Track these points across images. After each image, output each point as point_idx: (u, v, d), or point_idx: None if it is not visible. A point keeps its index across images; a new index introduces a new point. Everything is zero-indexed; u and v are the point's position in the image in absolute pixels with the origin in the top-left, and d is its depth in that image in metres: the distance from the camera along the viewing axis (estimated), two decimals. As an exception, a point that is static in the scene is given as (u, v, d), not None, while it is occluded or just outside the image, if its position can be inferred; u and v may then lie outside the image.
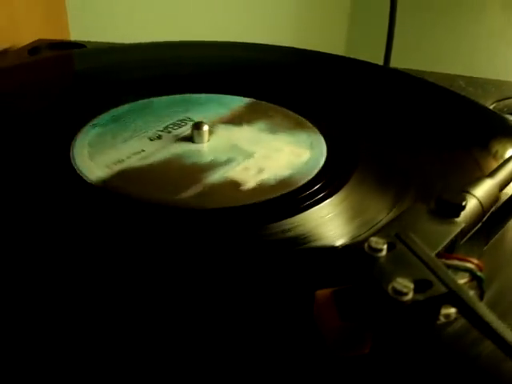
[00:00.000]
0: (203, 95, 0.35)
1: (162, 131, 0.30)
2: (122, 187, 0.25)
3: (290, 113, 0.33)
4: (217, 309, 0.19)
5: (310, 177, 0.26)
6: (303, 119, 0.32)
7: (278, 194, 0.25)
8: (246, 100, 0.35)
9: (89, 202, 0.24)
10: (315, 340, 0.17)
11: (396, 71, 0.46)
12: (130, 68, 0.41)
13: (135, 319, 0.18)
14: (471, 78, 0.48)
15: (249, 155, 0.28)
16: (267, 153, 0.28)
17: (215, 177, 0.26)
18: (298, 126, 0.32)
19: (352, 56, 0.47)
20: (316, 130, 0.31)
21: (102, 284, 0.20)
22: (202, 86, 0.37)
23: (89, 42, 0.51)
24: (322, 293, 0.17)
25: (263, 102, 0.35)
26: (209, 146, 0.29)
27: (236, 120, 0.32)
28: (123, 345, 0.17)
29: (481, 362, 0.17)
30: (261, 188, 0.25)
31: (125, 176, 0.26)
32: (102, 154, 0.28)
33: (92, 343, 0.17)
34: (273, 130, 0.31)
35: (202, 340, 0.17)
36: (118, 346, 0.17)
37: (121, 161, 0.27)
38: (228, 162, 0.27)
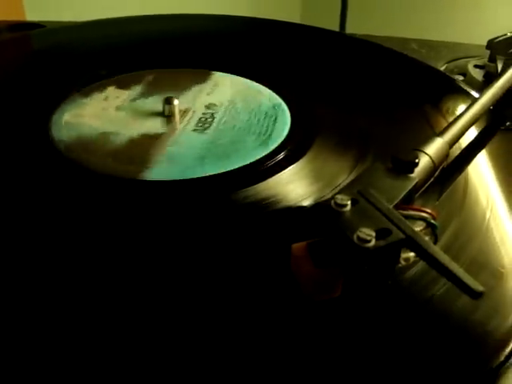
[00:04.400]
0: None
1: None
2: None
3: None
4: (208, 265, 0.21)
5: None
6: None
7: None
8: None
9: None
10: (292, 288, 0.19)
11: (351, 37, 0.47)
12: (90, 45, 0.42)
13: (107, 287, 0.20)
14: (424, 40, 0.50)
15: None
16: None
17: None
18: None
19: (307, 23, 0.48)
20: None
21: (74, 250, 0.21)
22: (158, 59, 0.38)
23: (46, 22, 0.50)
24: (298, 246, 0.19)
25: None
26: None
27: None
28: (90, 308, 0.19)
29: (434, 303, 0.20)
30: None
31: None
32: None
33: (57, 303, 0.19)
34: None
35: (184, 295, 0.19)
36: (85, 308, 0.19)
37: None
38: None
